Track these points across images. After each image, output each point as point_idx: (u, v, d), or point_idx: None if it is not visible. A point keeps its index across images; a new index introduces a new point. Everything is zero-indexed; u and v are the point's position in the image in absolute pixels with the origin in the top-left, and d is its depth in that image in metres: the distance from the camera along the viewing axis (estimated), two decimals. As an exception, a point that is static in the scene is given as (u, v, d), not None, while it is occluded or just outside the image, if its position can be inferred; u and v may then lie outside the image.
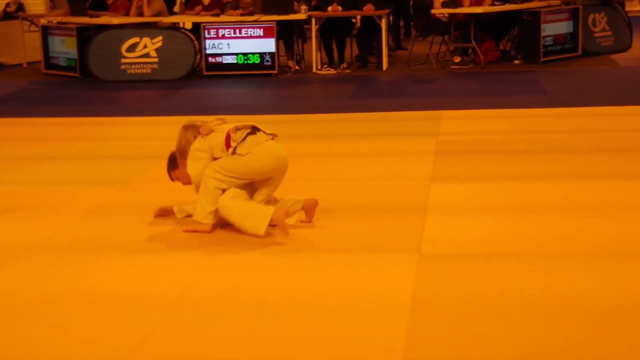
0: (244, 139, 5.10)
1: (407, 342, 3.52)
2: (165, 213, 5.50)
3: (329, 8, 12.28)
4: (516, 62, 12.51)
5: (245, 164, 5.07)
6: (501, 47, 13.16)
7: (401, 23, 15.47)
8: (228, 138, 5.12)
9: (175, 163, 5.36)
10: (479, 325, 3.69)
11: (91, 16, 12.70)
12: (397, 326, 3.68)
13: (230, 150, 5.09)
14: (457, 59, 12.51)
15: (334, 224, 5.22)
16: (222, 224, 5.17)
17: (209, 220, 5.12)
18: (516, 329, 3.64)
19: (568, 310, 3.82)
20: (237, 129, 5.14)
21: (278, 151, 5.16)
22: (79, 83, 12.16)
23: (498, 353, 3.43)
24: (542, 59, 12.28)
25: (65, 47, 12.61)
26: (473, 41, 12.24)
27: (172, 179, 5.45)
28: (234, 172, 5.08)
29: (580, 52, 12.82)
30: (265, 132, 5.21)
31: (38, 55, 13.19)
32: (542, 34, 12.24)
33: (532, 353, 3.42)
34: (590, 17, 13.14)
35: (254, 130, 5.16)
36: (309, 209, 5.24)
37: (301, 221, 5.24)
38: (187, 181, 5.37)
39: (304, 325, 3.76)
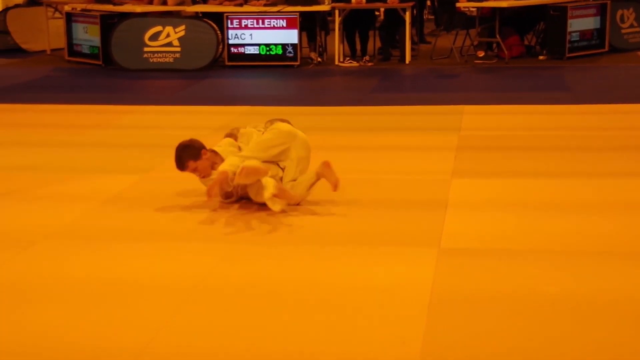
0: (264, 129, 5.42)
1: (424, 337, 3.49)
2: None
3: (353, 0, 12.22)
4: (541, 57, 12.40)
5: (268, 138, 5.30)
6: (526, 42, 13.06)
7: (428, 16, 15.36)
8: None
9: (198, 154, 5.34)
10: (498, 321, 3.65)
11: (115, 4, 12.71)
12: (415, 320, 3.65)
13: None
14: (481, 54, 12.42)
15: (354, 216, 5.19)
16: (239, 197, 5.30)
17: (234, 169, 5.10)
18: (536, 326, 3.59)
19: (589, 308, 3.77)
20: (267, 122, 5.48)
21: (293, 128, 5.42)
22: (102, 71, 12.18)
23: (517, 350, 3.39)
24: (568, 55, 12.15)
25: (88, 35, 12.63)
26: (498, 36, 12.15)
27: (185, 169, 5.39)
28: (261, 152, 5.23)
29: (607, 48, 12.68)
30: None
31: (61, 42, 13.23)
32: (569, 29, 12.10)
33: (552, 351, 3.37)
34: (619, 12, 12.99)
35: (273, 121, 5.44)
36: (326, 173, 5.27)
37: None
38: (206, 174, 5.36)
39: (321, 317, 3.74)
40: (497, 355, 3.35)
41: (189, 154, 5.36)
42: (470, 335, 3.52)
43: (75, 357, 3.41)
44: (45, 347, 3.52)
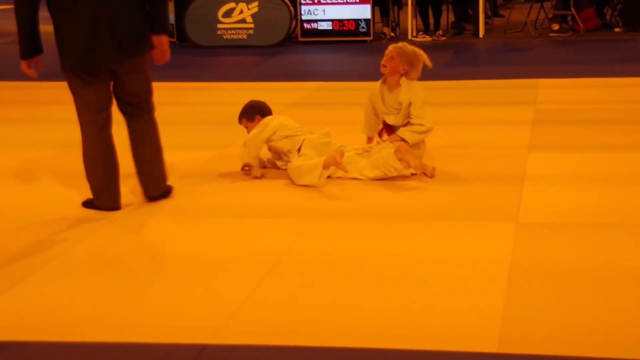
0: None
1: (504, 311, 3.49)
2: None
3: (426, -26, 12.12)
4: (617, 30, 12.15)
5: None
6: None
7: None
8: None
9: (254, 116, 5.88)
10: (578, 296, 3.63)
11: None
12: (494, 295, 3.65)
13: None
14: (556, 27, 12.21)
15: (431, 191, 5.19)
16: None
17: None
18: (617, 301, 3.56)
19: (672, 283, 3.72)
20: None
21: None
22: (176, 48, 12.29)
23: (597, 325, 3.36)
24: (646, 27, 11.87)
25: (163, 13, 12.75)
26: (572, 8, 11.93)
27: (240, 123, 5.99)
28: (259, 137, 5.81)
29: (686, 20, 12.34)
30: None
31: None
32: (647, 0, 11.83)
33: (634, 326, 3.34)
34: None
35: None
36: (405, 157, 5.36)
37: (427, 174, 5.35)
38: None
39: (401, 291, 3.76)
40: (577, 330, 3.34)
41: (248, 113, 5.94)
42: (550, 310, 3.50)
43: (157, 332, 3.48)
44: (124, 322, 3.61)
